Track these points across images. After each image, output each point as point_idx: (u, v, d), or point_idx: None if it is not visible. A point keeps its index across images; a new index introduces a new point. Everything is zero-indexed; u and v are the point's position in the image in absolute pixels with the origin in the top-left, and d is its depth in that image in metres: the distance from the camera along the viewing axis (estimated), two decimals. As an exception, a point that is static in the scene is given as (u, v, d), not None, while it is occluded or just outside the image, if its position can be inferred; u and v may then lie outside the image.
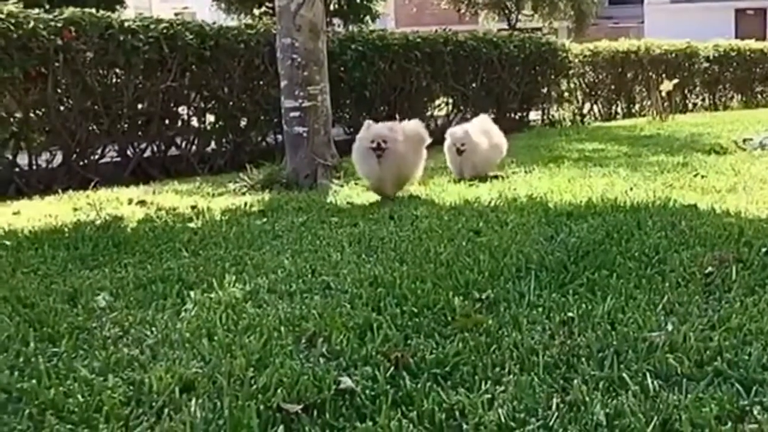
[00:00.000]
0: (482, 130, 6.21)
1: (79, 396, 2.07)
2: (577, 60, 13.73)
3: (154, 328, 2.62)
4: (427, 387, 2.04)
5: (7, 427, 1.95)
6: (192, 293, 3.01)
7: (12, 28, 6.66)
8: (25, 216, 5.10)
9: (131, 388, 2.13)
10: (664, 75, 14.50)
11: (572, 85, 13.95)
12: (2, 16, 6.63)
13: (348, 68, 9.54)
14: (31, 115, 7.21)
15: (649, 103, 14.63)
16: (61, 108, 7.34)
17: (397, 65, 10.21)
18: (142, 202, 5.54)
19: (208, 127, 8.69)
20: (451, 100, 11.54)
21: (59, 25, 7.02)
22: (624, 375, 2.07)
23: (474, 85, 11.48)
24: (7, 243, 4.08)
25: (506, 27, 22.52)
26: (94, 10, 7.52)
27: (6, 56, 6.66)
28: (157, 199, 5.68)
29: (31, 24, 6.80)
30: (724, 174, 5.83)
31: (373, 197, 5.22)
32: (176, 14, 8.62)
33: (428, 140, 5.47)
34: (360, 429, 1.85)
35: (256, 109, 8.79)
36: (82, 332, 2.61)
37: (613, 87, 14.76)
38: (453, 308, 2.67)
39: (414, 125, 5.45)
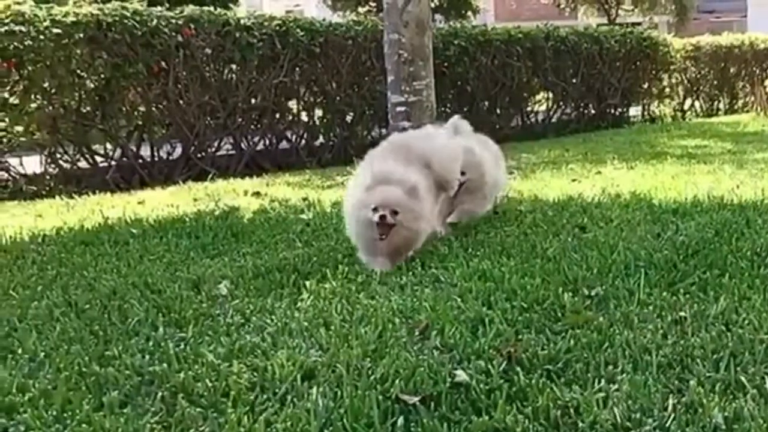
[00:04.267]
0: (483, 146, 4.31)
1: (207, 380, 2.15)
2: (678, 55, 13.37)
3: (273, 317, 2.72)
4: (541, 383, 2.05)
5: (142, 408, 2.04)
6: (307, 283, 3.11)
7: (137, 25, 7.00)
8: (149, 205, 5.40)
9: (255, 374, 2.20)
10: (769, 70, 13.95)
11: (673, 81, 13.59)
12: (128, 14, 6.98)
13: (451, 63, 9.56)
14: (153, 109, 7.55)
15: (752, 98, 14.13)
16: (181, 102, 7.64)
17: (499, 60, 10.18)
18: (256, 194, 5.77)
19: (317, 122, 8.88)
20: (551, 95, 11.42)
21: (179, 22, 7.35)
22: (741, 377, 2.04)
23: (574, 80, 11.33)
24: (134, 231, 4.32)
25: (606, 22, 22.01)
26: (211, 8, 7.84)
27: (131, 52, 7.02)
28: (271, 191, 5.91)
29: (154, 21, 7.14)
30: (835, 172, 5.59)
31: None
32: (287, 12, 8.82)
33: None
34: (477, 423, 1.87)
35: (363, 103, 8.94)
36: (206, 319, 2.73)
37: (715, 82, 14.28)
38: (562, 304, 2.69)
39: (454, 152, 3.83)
